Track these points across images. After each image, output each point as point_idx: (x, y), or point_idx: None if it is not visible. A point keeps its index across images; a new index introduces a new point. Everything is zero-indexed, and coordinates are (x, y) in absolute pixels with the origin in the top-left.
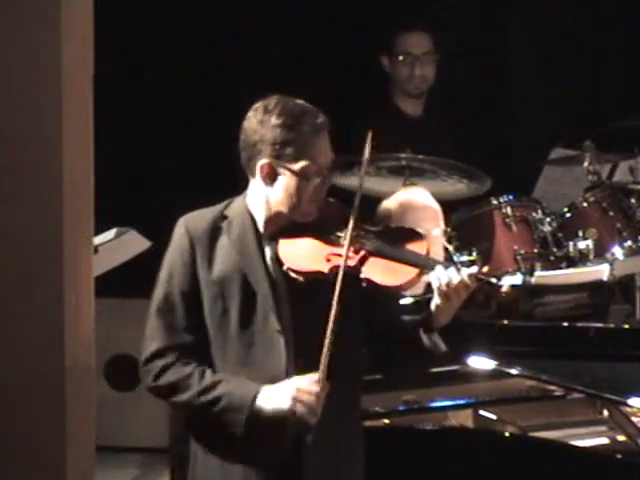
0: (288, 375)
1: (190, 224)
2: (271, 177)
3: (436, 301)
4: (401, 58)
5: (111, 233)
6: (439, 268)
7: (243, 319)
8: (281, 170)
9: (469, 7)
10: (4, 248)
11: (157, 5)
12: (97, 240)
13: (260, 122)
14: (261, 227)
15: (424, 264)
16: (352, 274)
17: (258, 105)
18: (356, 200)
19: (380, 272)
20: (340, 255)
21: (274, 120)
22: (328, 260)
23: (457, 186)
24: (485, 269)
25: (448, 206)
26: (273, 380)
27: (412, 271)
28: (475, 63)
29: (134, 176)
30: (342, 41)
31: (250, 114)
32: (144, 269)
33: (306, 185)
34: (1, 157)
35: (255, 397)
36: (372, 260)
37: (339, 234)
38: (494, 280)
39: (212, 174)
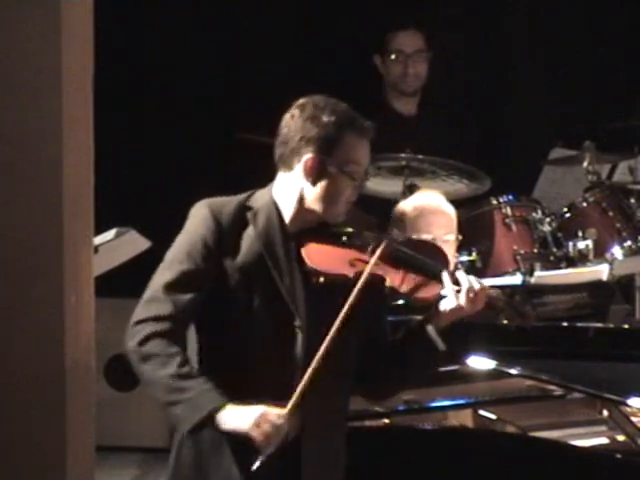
0: (302, 372)
1: (215, 208)
2: (315, 173)
3: (450, 304)
4: (393, 57)
5: (111, 233)
6: (460, 273)
7: (263, 311)
8: (328, 167)
9: (469, 6)
10: (4, 248)
11: (157, 5)
12: (97, 240)
13: (310, 118)
14: (288, 221)
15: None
16: (376, 281)
17: (304, 102)
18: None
19: (404, 284)
20: (364, 261)
21: (326, 117)
22: (352, 265)
23: (457, 186)
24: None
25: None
26: (287, 378)
27: (437, 286)
28: (475, 63)
29: (134, 176)
30: (336, 41)
31: (295, 111)
32: (144, 269)
33: (348, 186)
34: (1, 157)
35: (220, 408)
36: (397, 272)
37: (364, 241)
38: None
39: (212, 174)
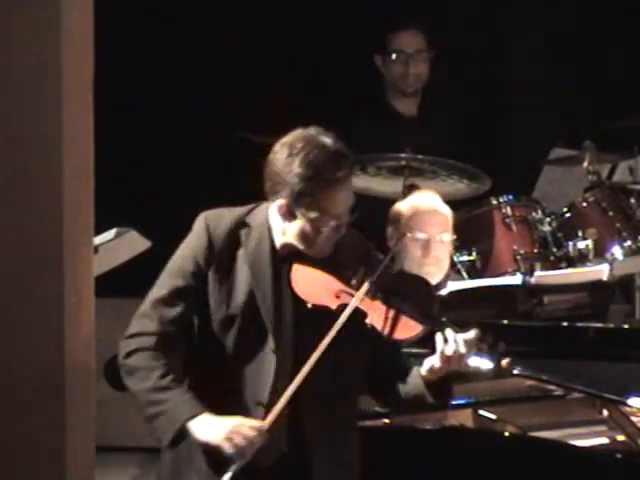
0: (271, 395)
1: (212, 223)
2: (288, 217)
3: (435, 361)
4: (394, 57)
5: (111, 233)
6: (448, 332)
7: (242, 331)
8: (297, 213)
9: (469, 6)
10: (4, 248)
11: (157, 5)
12: (97, 240)
13: (284, 165)
14: (278, 245)
15: (432, 324)
16: (359, 317)
17: (285, 141)
18: (380, 266)
19: (386, 323)
20: (349, 294)
21: (295, 168)
22: (337, 297)
23: (457, 186)
24: (505, 362)
25: (448, 206)
26: (254, 397)
27: (417, 327)
28: (475, 62)
29: (134, 176)
30: (337, 41)
31: (277, 149)
32: (144, 269)
33: (319, 232)
34: (1, 157)
35: (192, 418)
36: (380, 308)
37: (353, 272)
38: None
39: (212, 174)
